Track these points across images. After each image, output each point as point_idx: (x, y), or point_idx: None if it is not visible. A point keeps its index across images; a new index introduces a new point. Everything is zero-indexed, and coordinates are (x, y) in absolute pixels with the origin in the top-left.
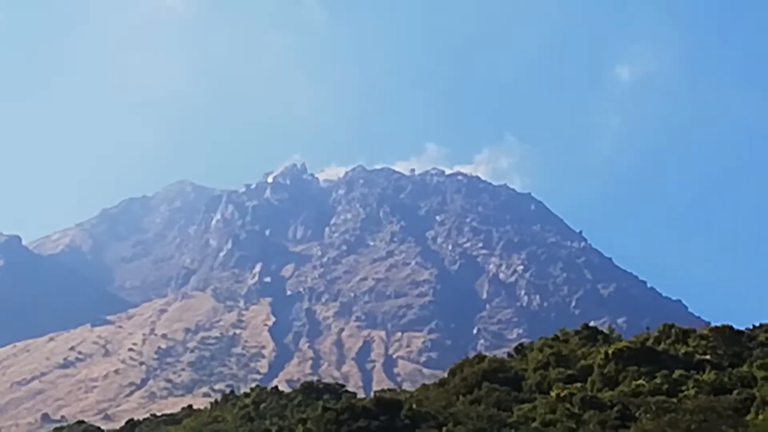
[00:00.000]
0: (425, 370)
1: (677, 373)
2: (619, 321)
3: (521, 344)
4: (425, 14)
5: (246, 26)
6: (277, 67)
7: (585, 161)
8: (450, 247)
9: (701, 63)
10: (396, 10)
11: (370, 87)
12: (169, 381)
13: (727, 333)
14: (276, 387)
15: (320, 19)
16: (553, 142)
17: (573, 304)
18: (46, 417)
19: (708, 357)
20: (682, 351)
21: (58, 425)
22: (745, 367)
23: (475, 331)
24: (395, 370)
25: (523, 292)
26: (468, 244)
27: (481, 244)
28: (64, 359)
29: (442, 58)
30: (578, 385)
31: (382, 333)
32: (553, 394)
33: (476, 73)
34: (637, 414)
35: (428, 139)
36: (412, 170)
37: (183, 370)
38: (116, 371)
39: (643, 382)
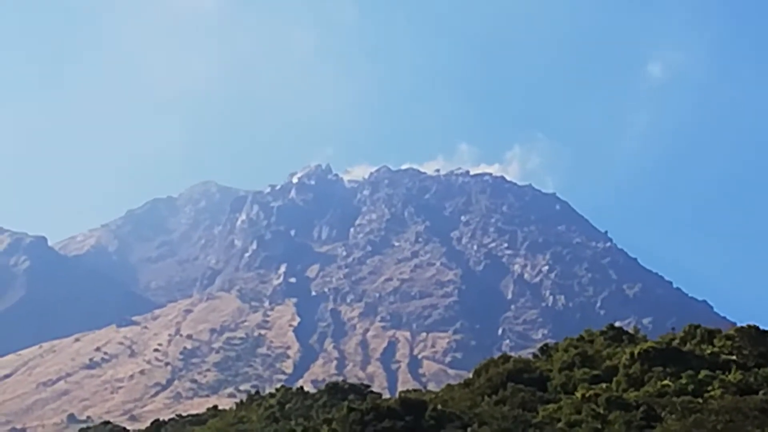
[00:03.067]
0: (450, 371)
1: (703, 373)
2: (645, 321)
3: (546, 344)
4: (456, 12)
5: (274, 24)
6: (305, 66)
7: (613, 160)
8: (475, 247)
9: (732, 61)
10: (426, 8)
11: (399, 85)
12: (194, 381)
13: (752, 333)
14: (301, 387)
15: (350, 16)
16: (583, 140)
17: (598, 304)
18: (72, 417)
19: (734, 357)
20: (708, 351)
21: (83, 426)
22: None
23: (500, 331)
24: (420, 371)
25: (548, 293)
26: (493, 245)
27: (506, 245)
28: (90, 360)
29: (472, 56)
30: (603, 385)
31: (407, 333)
32: (578, 394)
33: (507, 72)
34: (662, 414)
35: (459, 138)
36: (437, 170)
37: (208, 370)
38: (142, 372)
39: (669, 383)
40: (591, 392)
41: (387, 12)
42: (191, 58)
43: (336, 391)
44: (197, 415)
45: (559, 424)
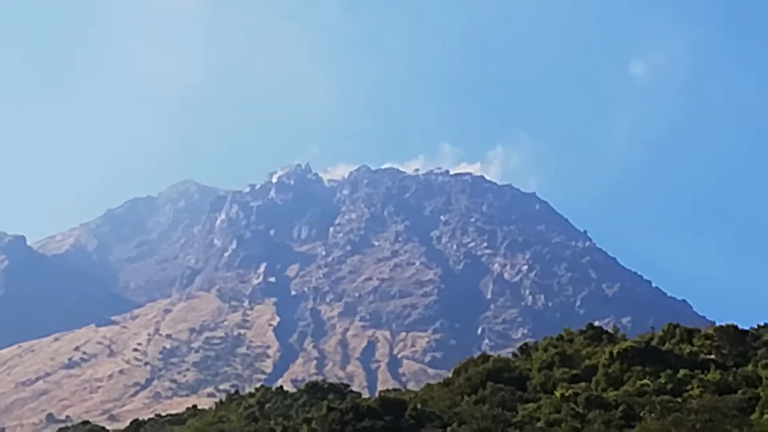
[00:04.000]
0: (430, 370)
1: (682, 372)
2: (624, 321)
3: (526, 344)
4: (440, 12)
5: (257, 23)
6: (288, 65)
7: (593, 160)
8: (454, 246)
9: (715, 60)
10: (411, 8)
11: (383, 85)
12: (173, 381)
13: (731, 333)
14: (281, 387)
15: (335, 15)
16: (565, 139)
17: (578, 303)
18: (50, 417)
19: (713, 356)
20: (687, 350)
21: (62, 425)
22: (749, 367)
23: (479, 330)
24: (400, 370)
25: (527, 292)
26: (472, 244)
27: (485, 244)
28: (69, 359)
29: (456, 56)
30: (583, 384)
31: (387, 333)
32: (557, 393)
33: (490, 71)
34: (641, 413)
35: (441, 138)
36: (417, 170)
37: (188, 370)
38: (121, 371)
39: (648, 382)
40: (570, 391)
41: (372, 12)
42: (173, 57)
43: (316, 390)
44: (176, 414)
45: (539, 423)
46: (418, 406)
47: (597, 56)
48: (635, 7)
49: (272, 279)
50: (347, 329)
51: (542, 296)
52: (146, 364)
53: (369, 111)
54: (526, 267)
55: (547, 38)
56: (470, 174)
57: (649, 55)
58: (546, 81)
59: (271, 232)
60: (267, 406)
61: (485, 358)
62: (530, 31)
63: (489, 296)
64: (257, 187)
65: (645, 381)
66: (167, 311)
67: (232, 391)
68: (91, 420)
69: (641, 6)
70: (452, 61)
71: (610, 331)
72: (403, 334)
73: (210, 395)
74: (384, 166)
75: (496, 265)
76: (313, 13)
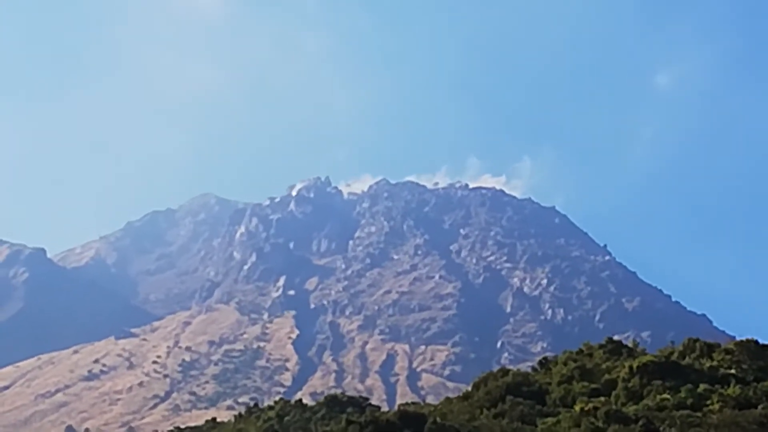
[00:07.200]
0: (449, 384)
1: (702, 387)
2: (644, 335)
3: (545, 358)
4: (467, 23)
5: (282, 31)
6: (311, 76)
7: (614, 173)
8: (474, 260)
9: (739, 73)
10: (437, 18)
11: (408, 97)
12: (193, 394)
13: (752, 347)
14: (300, 400)
15: (360, 24)
16: (587, 153)
17: (597, 317)
18: (70, 429)
19: (733, 371)
20: (707, 365)
21: None
22: None
23: (498, 344)
24: (419, 384)
25: (547, 306)
26: (492, 258)
27: (505, 258)
28: (89, 372)
29: (482, 68)
30: (602, 399)
31: (406, 346)
32: (577, 408)
33: (515, 84)
34: (661, 428)
35: (467, 151)
36: (436, 183)
37: (207, 382)
38: (140, 384)
39: (668, 397)
40: (590, 406)
41: (397, 22)
42: (194, 68)
43: (335, 403)
44: (196, 427)
45: None
46: (438, 419)
47: (623, 69)
48: (660, 21)
49: (291, 292)
50: (366, 342)
51: (561, 310)
52: (165, 376)
53: (393, 122)
54: (545, 281)
55: (574, 51)
56: (490, 188)
57: (673, 68)
58: (571, 94)
59: (291, 245)
60: (286, 419)
61: (504, 371)
62: (557, 44)
63: (508, 310)
64: (277, 200)
65: (665, 396)
66: (187, 324)
67: (251, 404)
68: None
69: (666, 19)
70: (478, 73)
71: (630, 345)
72: (423, 347)
73: (229, 408)
74: (404, 180)
75: (516, 279)
76: (337, 22)
